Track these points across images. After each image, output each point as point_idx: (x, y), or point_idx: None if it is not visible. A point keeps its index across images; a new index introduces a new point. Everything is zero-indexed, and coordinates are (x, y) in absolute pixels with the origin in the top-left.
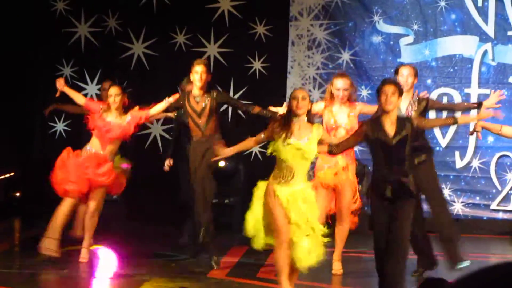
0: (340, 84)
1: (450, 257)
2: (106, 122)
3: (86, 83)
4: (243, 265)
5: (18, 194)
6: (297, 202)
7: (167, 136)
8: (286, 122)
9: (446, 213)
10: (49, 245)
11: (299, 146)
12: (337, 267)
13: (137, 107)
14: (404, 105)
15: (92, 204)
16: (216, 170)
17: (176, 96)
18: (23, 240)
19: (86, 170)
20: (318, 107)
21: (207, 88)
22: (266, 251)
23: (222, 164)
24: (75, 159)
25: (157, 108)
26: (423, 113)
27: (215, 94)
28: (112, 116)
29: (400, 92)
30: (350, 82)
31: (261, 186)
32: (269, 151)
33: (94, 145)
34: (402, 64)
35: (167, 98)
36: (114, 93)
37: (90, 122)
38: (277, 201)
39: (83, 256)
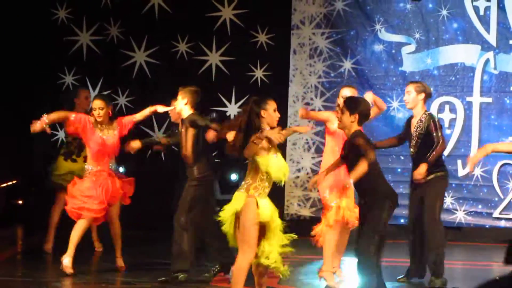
0: (346, 92)
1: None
2: (100, 138)
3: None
4: (249, 273)
5: (20, 202)
6: (273, 212)
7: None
8: (267, 136)
9: (432, 235)
10: (67, 262)
11: (283, 161)
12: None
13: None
14: (415, 121)
15: (113, 214)
16: (225, 179)
17: (164, 107)
18: (25, 247)
19: (102, 192)
20: (326, 114)
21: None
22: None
23: (234, 177)
24: (83, 184)
25: (143, 113)
26: (426, 130)
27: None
28: (102, 130)
29: (350, 110)
30: (356, 93)
31: (240, 198)
32: (264, 167)
33: (91, 163)
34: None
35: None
36: (97, 106)
37: (83, 136)
38: (257, 216)
39: (121, 265)
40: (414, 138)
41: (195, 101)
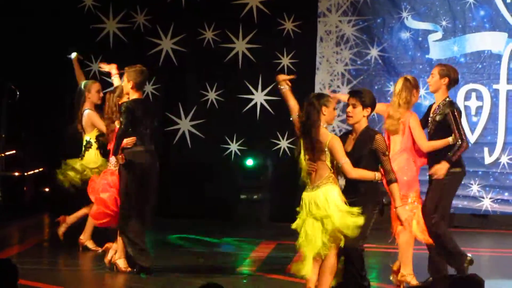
0: None
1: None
2: None
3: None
4: (272, 260)
5: (47, 190)
6: None
7: (195, 131)
8: None
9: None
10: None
11: None
12: None
13: None
14: (434, 107)
15: None
16: (245, 166)
17: None
18: (52, 235)
19: None
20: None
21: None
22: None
23: (250, 163)
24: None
25: None
26: (443, 119)
27: None
28: None
29: (364, 104)
30: None
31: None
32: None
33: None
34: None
35: None
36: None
37: None
38: None
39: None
40: (430, 126)
41: (139, 82)
